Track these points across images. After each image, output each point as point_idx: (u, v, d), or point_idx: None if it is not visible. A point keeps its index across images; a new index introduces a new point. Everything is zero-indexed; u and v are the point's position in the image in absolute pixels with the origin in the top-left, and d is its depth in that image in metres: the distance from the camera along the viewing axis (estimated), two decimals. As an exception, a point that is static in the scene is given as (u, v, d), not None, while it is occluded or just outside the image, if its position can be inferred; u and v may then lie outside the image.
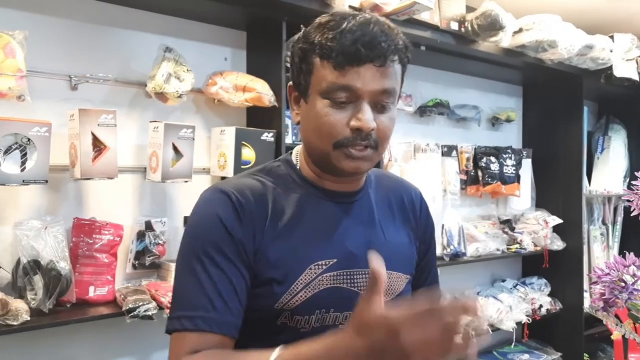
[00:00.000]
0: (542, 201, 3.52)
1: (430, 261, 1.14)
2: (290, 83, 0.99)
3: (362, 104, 0.89)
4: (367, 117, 0.88)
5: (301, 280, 0.91)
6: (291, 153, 1.04)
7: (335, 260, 0.94)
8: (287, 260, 0.91)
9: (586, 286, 3.41)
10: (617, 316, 0.93)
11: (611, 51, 3.15)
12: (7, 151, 1.62)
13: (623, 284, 0.83)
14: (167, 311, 1.78)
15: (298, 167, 1.00)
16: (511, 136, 3.59)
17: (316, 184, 0.99)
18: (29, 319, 1.60)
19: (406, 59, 0.94)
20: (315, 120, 0.91)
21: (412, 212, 1.10)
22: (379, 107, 0.91)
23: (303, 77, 0.93)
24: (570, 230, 3.36)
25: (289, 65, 2.12)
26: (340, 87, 0.88)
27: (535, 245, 3.30)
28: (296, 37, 0.97)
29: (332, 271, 0.93)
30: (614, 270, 0.84)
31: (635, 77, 3.32)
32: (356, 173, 0.94)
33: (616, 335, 0.93)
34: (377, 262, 0.69)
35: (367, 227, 1.00)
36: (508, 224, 3.35)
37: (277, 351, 0.77)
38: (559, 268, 3.37)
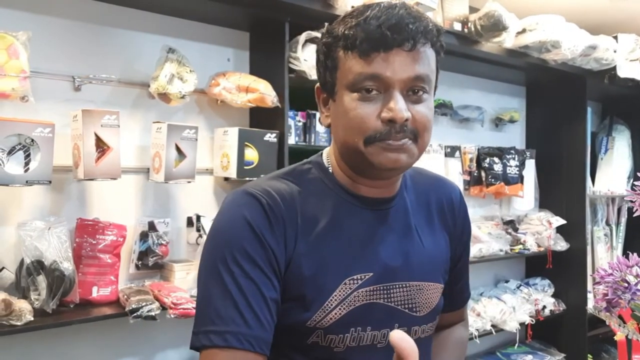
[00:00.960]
0: (545, 201, 3.52)
1: (464, 265, 1.07)
2: (317, 85, 0.91)
3: (393, 92, 0.80)
4: (400, 106, 0.79)
5: (335, 296, 0.84)
6: (321, 154, 0.96)
7: (371, 274, 0.86)
8: (319, 274, 0.84)
9: (589, 287, 3.40)
10: (620, 316, 0.93)
11: (615, 51, 3.14)
12: (11, 151, 1.63)
13: (626, 284, 0.83)
14: (171, 311, 1.79)
15: (330, 171, 0.92)
16: (514, 136, 3.58)
17: (350, 189, 0.90)
18: (32, 319, 1.61)
19: (439, 44, 0.85)
20: (343, 117, 0.83)
21: (450, 213, 1.01)
22: (413, 96, 0.82)
23: (329, 74, 0.86)
24: (574, 231, 3.36)
25: (292, 66, 2.14)
26: (368, 76, 0.80)
27: (539, 246, 3.29)
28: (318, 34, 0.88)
29: (367, 285, 0.86)
30: (617, 271, 0.83)
31: (639, 77, 3.31)
32: (395, 167, 0.83)
33: (619, 336, 0.93)
34: (403, 342, 0.54)
35: (403, 235, 0.92)
36: (511, 225, 3.34)
37: None
38: (563, 269, 3.36)
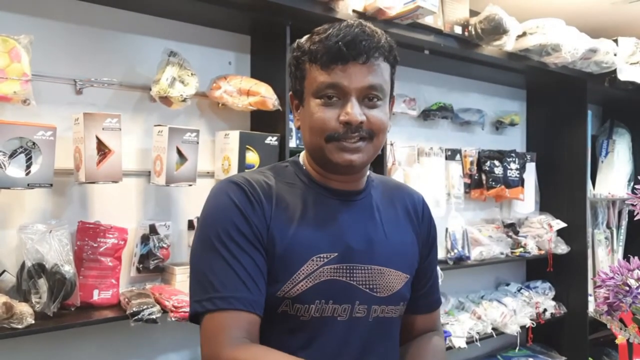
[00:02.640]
0: (546, 204, 3.52)
1: (431, 264, 1.16)
2: (290, 92, 1.05)
3: (350, 99, 0.94)
4: (355, 110, 0.93)
5: (303, 270, 0.95)
6: (298, 156, 1.09)
7: (336, 254, 0.98)
8: (291, 250, 0.95)
9: (590, 290, 3.40)
10: (621, 320, 0.93)
11: (615, 54, 3.15)
12: (12, 155, 1.63)
13: (627, 288, 0.83)
14: (172, 314, 1.79)
15: (304, 168, 1.05)
16: (515, 139, 3.59)
17: (320, 182, 1.03)
18: (33, 322, 1.60)
19: (392, 58, 0.99)
20: (309, 119, 0.97)
21: (415, 215, 1.13)
22: (368, 102, 0.96)
23: (298, 83, 1.01)
24: (574, 234, 3.35)
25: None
26: (328, 85, 0.94)
27: (539, 249, 3.29)
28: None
29: (332, 264, 0.97)
30: (618, 274, 0.84)
31: (639, 81, 3.31)
32: (350, 166, 0.97)
33: (620, 339, 0.93)
34: None
35: (368, 224, 1.03)
36: (512, 228, 3.34)
37: None
38: (563, 272, 3.36)
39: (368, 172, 1.10)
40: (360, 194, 1.06)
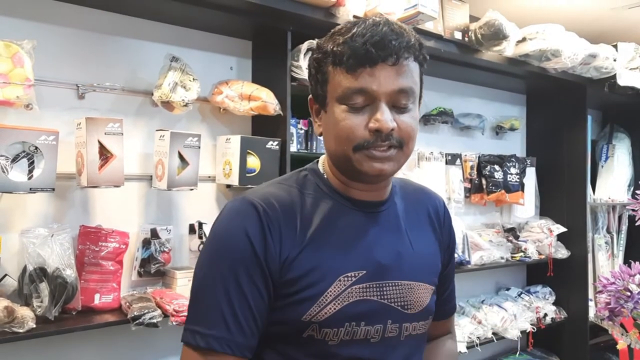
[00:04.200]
0: (546, 209, 3.52)
1: (451, 271, 1.12)
2: (310, 96, 0.98)
3: (380, 104, 0.87)
4: (385, 117, 0.86)
5: (330, 291, 0.89)
6: (317, 162, 1.02)
7: (365, 272, 0.91)
8: (316, 271, 0.89)
9: (591, 294, 3.40)
10: (622, 325, 0.93)
11: (614, 60, 3.16)
12: (15, 159, 1.63)
13: (628, 293, 0.83)
14: (173, 318, 1.79)
15: (325, 176, 0.98)
16: (515, 144, 3.59)
17: (343, 193, 0.96)
18: (34, 326, 1.61)
19: (421, 57, 0.91)
20: (334, 127, 0.90)
21: (437, 220, 1.07)
22: (398, 107, 0.89)
23: (320, 87, 0.93)
24: (575, 239, 3.36)
25: (294, 74, 2.15)
26: (355, 90, 0.86)
27: (540, 254, 3.30)
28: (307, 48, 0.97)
29: (361, 283, 0.91)
30: (620, 280, 0.84)
31: (639, 86, 3.32)
32: (380, 175, 0.91)
33: (622, 345, 0.93)
34: None
35: (395, 236, 0.98)
36: (512, 232, 3.34)
37: None
38: (564, 276, 3.36)
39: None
40: (384, 204, 0.99)
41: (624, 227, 3.83)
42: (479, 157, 3.17)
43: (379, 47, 0.85)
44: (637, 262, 0.86)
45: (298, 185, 0.96)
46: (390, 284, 0.93)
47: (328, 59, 0.90)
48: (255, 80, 2.26)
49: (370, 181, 0.94)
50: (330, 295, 0.88)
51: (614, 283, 0.83)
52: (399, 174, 2.72)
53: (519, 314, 3.11)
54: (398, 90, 0.87)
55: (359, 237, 0.93)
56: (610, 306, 0.83)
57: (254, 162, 2.09)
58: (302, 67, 2.13)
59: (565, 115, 3.42)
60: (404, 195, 1.05)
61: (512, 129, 3.44)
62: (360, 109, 0.87)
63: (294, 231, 0.90)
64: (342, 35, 0.88)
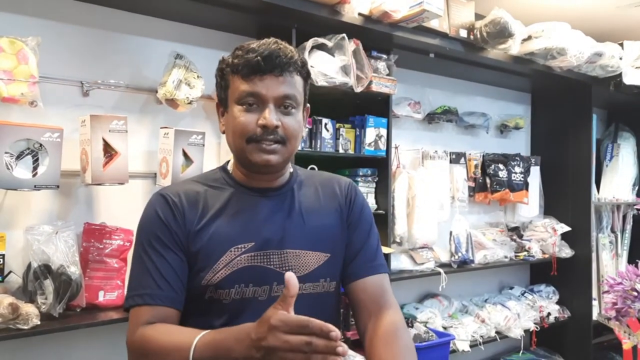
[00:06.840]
0: (550, 208, 3.51)
1: (359, 236, 1.24)
2: (217, 100, 1.19)
3: (268, 105, 1.08)
4: (271, 116, 1.07)
5: (222, 260, 1.09)
6: (227, 162, 1.23)
7: (253, 243, 1.11)
8: (212, 243, 1.10)
9: (594, 294, 3.39)
10: (627, 325, 0.93)
11: (620, 58, 3.15)
12: (19, 156, 1.64)
13: (635, 293, 0.83)
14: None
15: (230, 171, 1.20)
16: (519, 143, 3.58)
17: (243, 182, 1.17)
18: (38, 322, 1.61)
19: (304, 72, 1.14)
20: (232, 123, 1.11)
21: (341, 197, 1.25)
22: (283, 110, 1.09)
23: (223, 91, 1.14)
24: (579, 238, 3.35)
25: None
26: (249, 93, 1.08)
27: (543, 253, 3.29)
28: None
29: (249, 252, 1.10)
30: (627, 280, 0.83)
31: (644, 85, 3.31)
32: (267, 165, 1.10)
33: (627, 345, 0.93)
34: (292, 279, 0.84)
35: (285, 215, 1.16)
36: (516, 231, 3.34)
37: (201, 334, 0.94)
38: (567, 275, 3.35)
39: (292, 170, 1.23)
40: (280, 189, 1.18)
41: (629, 227, 3.81)
42: (483, 155, 3.17)
43: (267, 61, 1.07)
44: (644, 263, 0.85)
45: (204, 180, 1.19)
46: (275, 253, 1.12)
47: (229, 68, 1.11)
48: (260, 78, 2.25)
49: (260, 170, 1.13)
50: (222, 263, 1.09)
51: (621, 283, 0.83)
52: (403, 174, 2.70)
53: (522, 313, 3.11)
54: (283, 95, 1.08)
55: (252, 217, 1.13)
56: (617, 306, 0.83)
57: (258, 160, 2.08)
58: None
59: (570, 114, 3.41)
60: (307, 182, 1.24)
61: (516, 127, 3.43)
62: (253, 109, 1.08)
63: (196, 213, 1.12)
64: (241, 51, 1.10)
